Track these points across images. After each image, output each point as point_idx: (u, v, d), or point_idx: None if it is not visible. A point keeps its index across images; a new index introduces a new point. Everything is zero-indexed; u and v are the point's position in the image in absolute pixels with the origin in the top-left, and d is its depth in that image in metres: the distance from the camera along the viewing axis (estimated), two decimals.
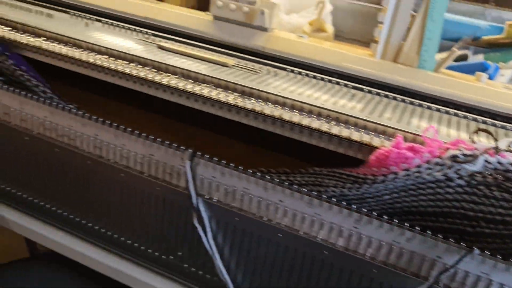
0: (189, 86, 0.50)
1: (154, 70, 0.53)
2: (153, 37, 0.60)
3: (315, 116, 0.47)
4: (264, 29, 0.60)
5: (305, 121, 0.45)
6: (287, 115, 0.46)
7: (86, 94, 0.61)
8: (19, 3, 0.66)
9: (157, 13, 0.64)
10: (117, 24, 0.62)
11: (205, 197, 0.47)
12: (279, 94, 0.48)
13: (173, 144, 0.47)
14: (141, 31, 0.61)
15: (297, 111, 0.47)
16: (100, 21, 0.63)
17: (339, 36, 0.71)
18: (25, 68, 0.56)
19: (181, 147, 0.47)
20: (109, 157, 0.51)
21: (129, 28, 0.62)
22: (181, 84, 0.50)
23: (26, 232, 0.61)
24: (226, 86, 0.50)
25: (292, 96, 0.48)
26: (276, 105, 0.48)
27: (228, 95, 0.49)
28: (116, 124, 0.49)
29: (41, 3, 0.66)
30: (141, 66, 0.53)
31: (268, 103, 0.48)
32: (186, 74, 0.51)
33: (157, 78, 0.51)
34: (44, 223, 0.60)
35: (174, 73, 0.52)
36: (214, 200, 0.47)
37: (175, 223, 0.50)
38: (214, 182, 0.47)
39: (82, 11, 0.65)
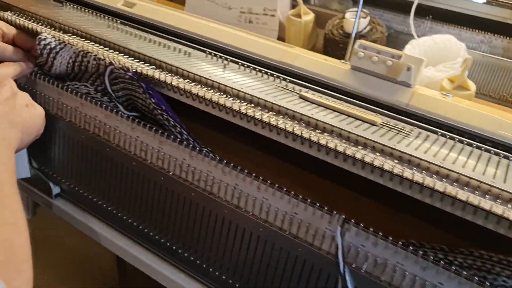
0: (333, 143, 0.47)
1: (295, 121, 0.51)
2: (291, 85, 0.59)
3: (478, 193, 0.43)
4: (408, 85, 0.57)
5: (475, 200, 0.42)
6: (452, 190, 0.43)
7: (219, 135, 0.61)
8: (156, 38, 0.67)
9: (291, 58, 0.63)
10: (253, 67, 0.61)
11: (352, 265, 0.45)
12: (442, 165, 0.44)
13: (324, 208, 0.45)
14: (277, 76, 0.60)
15: (459, 185, 0.43)
16: (236, 62, 0.62)
17: (478, 94, 0.67)
18: (164, 107, 0.56)
19: (333, 212, 0.44)
20: (248, 208, 0.50)
21: (265, 72, 0.61)
22: (323, 140, 0.48)
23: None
24: (374, 147, 0.48)
25: (456, 168, 0.44)
26: (436, 175, 0.45)
27: (375, 157, 0.46)
28: (261, 178, 0.48)
29: (179, 39, 0.67)
30: (280, 116, 0.52)
31: (423, 171, 0.45)
32: (331, 130, 0.49)
33: (299, 130, 0.49)
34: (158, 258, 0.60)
35: (317, 127, 0.50)
36: (362, 270, 0.44)
37: (312, 286, 0.48)
38: (363, 251, 0.44)
39: (219, 51, 0.64)
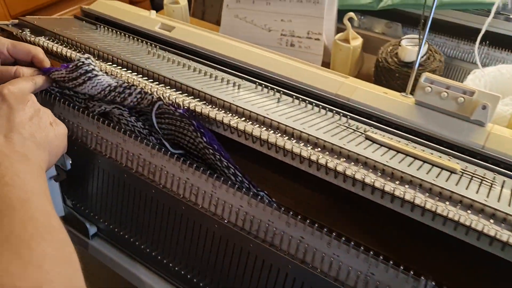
0: (409, 195, 0.42)
1: (365, 167, 0.46)
2: (352, 121, 0.54)
3: None
4: (482, 124, 0.52)
5: None
6: None
7: (271, 174, 0.56)
8: (200, 66, 0.62)
9: (349, 91, 0.58)
10: (309, 100, 0.57)
11: None
12: None
13: (410, 271, 0.40)
14: (336, 112, 0.55)
15: None
16: (289, 95, 0.58)
17: None
18: (217, 146, 0.52)
19: (420, 276, 0.40)
20: (316, 264, 0.45)
21: (322, 107, 0.56)
22: (408, 195, 0.43)
23: None
24: (461, 201, 0.43)
25: None
26: None
27: (467, 215, 0.41)
28: (334, 234, 0.43)
29: (225, 68, 0.63)
30: (351, 162, 0.47)
31: None
32: (410, 180, 0.44)
33: (374, 180, 0.44)
34: None
35: (393, 176, 0.45)
36: None
37: None
38: None
39: (269, 82, 0.60)
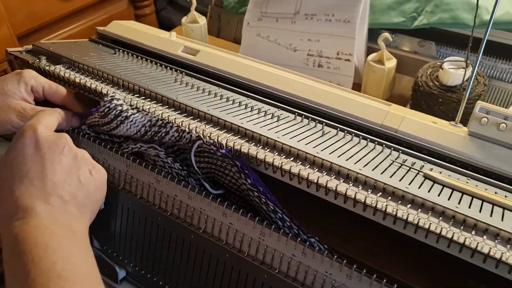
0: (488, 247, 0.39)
1: (428, 211, 0.43)
2: (406, 157, 0.50)
3: None
4: None
5: None
6: None
7: (318, 214, 0.52)
8: (234, 96, 0.58)
9: (396, 121, 0.54)
10: (355, 133, 0.53)
11: None
12: None
13: None
14: (387, 146, 0.52)
15: None
16: (334, 127, 0.54)
17: None
18: (262, 189, 0.48)
19: None
20: None
21: (371, 140, 0.52)
22: (482, 246, 0.39)
23: None
24: None
25: None
26: None
27: None
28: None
29: (258, 96, 0.59)
30: (408, 204, 0.43)
31: None
32: (485, 229, 0.41)
33: (441, 228, 0.40)
34: None
35: (465, 223, 0.42)
36: None
37: None
38: None
39: (309, 112, 0.56)
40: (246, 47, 0.83)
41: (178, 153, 0.53)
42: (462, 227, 0.41)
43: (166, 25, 1.49)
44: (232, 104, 0.57)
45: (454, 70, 0.62)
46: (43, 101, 0.58)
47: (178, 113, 0.54)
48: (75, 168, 0.45)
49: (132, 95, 0.57)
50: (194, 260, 0.51)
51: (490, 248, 0.38)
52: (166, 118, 0.51)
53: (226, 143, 0.48)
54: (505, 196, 0.46)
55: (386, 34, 0.67)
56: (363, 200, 0.42)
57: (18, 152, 0.42)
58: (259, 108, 0.56)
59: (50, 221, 0.38)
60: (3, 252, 0.37)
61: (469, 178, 0.49)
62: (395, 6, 0.78)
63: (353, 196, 0.43)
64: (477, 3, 0.60)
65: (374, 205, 0.42)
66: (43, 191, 0.40)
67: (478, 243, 0.38)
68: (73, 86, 0.59)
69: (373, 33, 0.77)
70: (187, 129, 0.49)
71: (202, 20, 0.84)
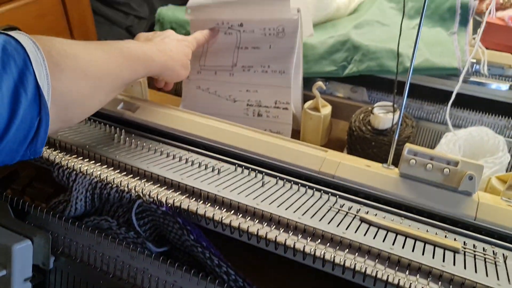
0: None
1: (364, 254, 0.44)
2: (343, 201, 0.52)
3: None
4: (470, 194, 0.52)
5: None
6: None
7: (265, 265, 0.53)
8: (173, 150, 0.59)
9: (332, 167, 0.56)
10: (294, 181, 0.55)
11: None
12: None
13: None
14: (324, 192, 0.53)
15: None
16: (274, 176, 0.55)
17: None
18: (206, 243, 0.48)
19: None
20: None
21: (309, 187, 0.54)
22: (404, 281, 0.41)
23: None
24: (464, 284, 0.41)
25: None
26: None
27: None
28: None
29: (198, 149, 0.59)
30: (346, 249, 0.45)
31: None
32: (418, 267, 0.43)
33: (377, 271, 0.42)
34: None
35: (399, 264, 0.43)
36: None
37: None
38: None
39: (249, 162, 0.57)
40: (187, 99, 0.84)
41: (125, 218, 0.52)
42: (396, 267, 0.42)
43: None
44: (172, 159, 0.57)
45: (383, 114, 0.66)
46: None
47: (117, 172, 0.53)
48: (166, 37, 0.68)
49: (69, 156, 0.56)
50: None
51: (423, 287, 0.40)
52: (105, 178, 0.51)
53: (166, 200, 0.48)
54: (436, 233, 0.49)
55: (320, 83, 0.71)
56: (301, 249, 0.43)
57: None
58: (199, 162, 0.57)
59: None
60: None
61: (403, 218, 0.51)
62: (326, 56, 0.83)
63: (292, 246, 0.44)
64: (398, 52, 0.65)
65: (312, 253, 0.43)
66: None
67: (411, 283, 0.40)
68: None
69: (308, 81, 0.81)
70: (126, 189, 0.49)
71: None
